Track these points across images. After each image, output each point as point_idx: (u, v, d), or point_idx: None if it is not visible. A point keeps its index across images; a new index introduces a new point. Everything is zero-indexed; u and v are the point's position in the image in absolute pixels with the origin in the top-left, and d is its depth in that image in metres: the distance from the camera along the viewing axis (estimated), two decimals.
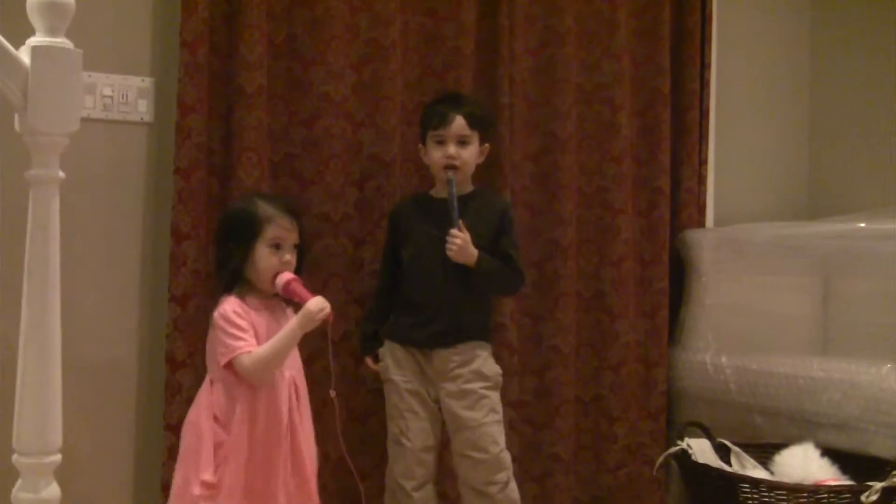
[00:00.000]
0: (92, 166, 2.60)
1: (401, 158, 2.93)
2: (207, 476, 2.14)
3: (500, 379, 2.75)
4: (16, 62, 1.69)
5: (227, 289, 2.31)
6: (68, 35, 1.75)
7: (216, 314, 2.26)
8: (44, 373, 1.74)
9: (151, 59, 2.70)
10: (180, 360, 2.61)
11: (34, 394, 1.74)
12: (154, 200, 2.69)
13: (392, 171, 2.90)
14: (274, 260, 2.28)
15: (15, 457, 1.76)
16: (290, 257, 2.30)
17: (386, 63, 2.90)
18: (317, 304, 2.20)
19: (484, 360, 2.71)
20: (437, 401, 2.71)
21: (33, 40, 1.71)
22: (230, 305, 2.25)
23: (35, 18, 1.71)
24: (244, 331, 2.21)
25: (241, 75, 2.68)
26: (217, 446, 2.19)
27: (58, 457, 1.77)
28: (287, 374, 2.27)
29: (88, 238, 2.60)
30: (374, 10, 2.89)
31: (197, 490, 2.15)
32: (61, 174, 1.76)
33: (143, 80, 2.68)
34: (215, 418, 2.21)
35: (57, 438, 1.77)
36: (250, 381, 2.21)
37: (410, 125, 2.97)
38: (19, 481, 1.77)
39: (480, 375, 2.69)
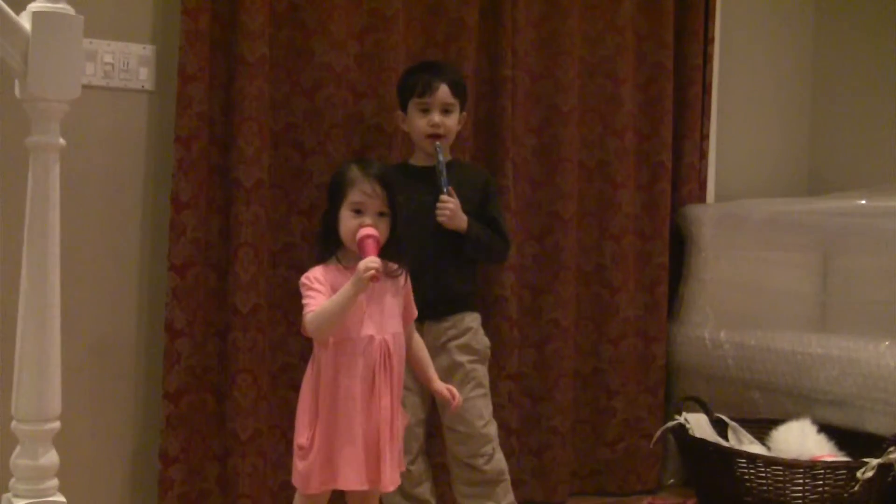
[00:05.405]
0: (92, 134, 2.59)
1: (402, 129, 2.91)
2: (302, 440, 2.23)
3: (489, 351, 2.75)
4: (16, 27, 1.68)
5: (321, 256, 2.33)
6: (69, 1, 1.74)
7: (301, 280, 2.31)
8: (43, 340, 1.75)
9: (153, 26, 2.68)
10: (179, 329, 2.60)
11: (33, 361, 1.75)
12: (154, 169, 2.68)
13: (393, 142, 2.89)
14: (353, 223, 2.26)
15: (14, 424, 1.76)
16: (370, 222, 2.26)
17: (388, 33, 2.88)
18: (364, 264, 2.15)
19: (474, 334, 2.70)
20: None
21: (34, 6, 1.71)
22: (312, 273, 2.27)
23: None
24: (316, 292, 2.23)
25: (242, 44, 2.66)
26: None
27: (56, 424, 1.78)
28: (377, 337, 2.25)
29: (88, 206, 2.60)
30: None
31: (295, 451, 2.26)
32: (61, 141, 1.75)
33: (144, 48, 2.66)
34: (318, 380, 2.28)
35: (56, 406, 1.77)
36: (315, 339, 2.27)
37: None
38: (18, 448, 1.77)
39: (469, 349, 2.68)
